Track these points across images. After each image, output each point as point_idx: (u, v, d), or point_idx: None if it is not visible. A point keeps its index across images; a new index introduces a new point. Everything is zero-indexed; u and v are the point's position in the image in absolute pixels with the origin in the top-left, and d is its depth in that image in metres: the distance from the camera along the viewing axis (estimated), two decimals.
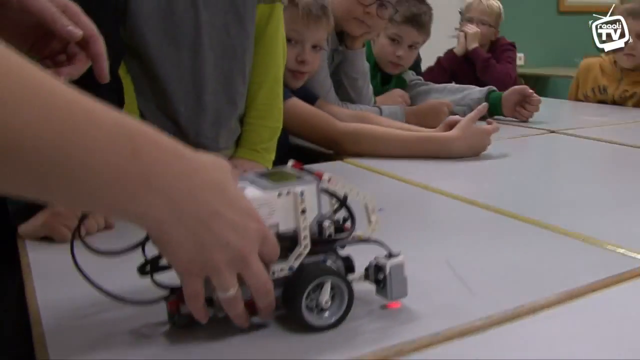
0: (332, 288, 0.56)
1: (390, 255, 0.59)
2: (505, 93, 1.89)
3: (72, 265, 0.55)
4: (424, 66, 2.51)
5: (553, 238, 0.82)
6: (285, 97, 1.39)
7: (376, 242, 0.60)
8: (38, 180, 0.42)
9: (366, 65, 1.85)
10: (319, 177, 0.57)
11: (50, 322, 0.60)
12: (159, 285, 0.57)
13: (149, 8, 1.10)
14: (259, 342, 0.55)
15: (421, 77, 2.19)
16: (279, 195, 0.55)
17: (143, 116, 1.13)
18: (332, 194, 0.59)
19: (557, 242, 0.81)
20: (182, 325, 0.56)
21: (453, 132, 1.33)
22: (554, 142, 1.61)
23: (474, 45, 2.60)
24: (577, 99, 2.46)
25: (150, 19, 1.10)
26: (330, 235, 0.58)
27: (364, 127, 1.41)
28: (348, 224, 0.60)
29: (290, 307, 0.56)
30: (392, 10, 1.76)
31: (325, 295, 0.56)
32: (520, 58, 4.79)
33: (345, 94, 1.81)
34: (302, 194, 0.56)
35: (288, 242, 0.56)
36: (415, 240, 0.82)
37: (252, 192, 0.55)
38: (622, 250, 0.75)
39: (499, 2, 2.74)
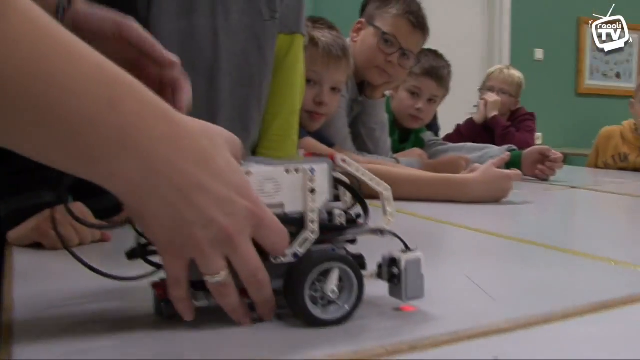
0: (340, 277, 0.49)
1: (407, 249, 0.52)
2: (526, 151, 1.84)
3: (55, 269, 0.50)
4: (442, 134, 2.50)
5: (578, 259, 0.77)
6: (300, 136, 1.36)
7: (391, 233, 0.53)
8: (6, 114, 0.38)
9: (385, 117, 1.82)
10: (331, 159, 0.51)
11: (22, 311, 0.54)
12: (153, 264, 0.52)
13: (169, 29, 1.08)
14: (250, 337, 0.47)
15: (439, 138, 2.17)
16: (287, 171, 0.49)
17: None
18: (339, 182, 0.54)
19: (581, 263, 0.76)
20: (169, 315, 0.48)
21: (473, 175, 1.28)
22: (575, 195, 1.56)
23: (493, 113, 2.59)
24: (596, 167, 2.42)
25: (169, 40, 1.08)
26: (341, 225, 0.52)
27: (379, 167, 1.36)
28: (361, 220, 0.53)
29: (292, 297, 0.48)
30: (414, 61, 1.75)
31: (332, 284, 0.48)
32: (538, 137, 4.79)
33: (362, 145, 1.77)
34: (312, 171, 0.50)
35: (294, 227, 0.49)
36: (433, 261, 0.76)
37: (256, 167, 0.49)
38: None
39: (520, 73, 2.75)
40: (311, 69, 1.41)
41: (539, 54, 4.88)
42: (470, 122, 2.65)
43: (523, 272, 0.71)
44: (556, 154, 1.79)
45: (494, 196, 1.27)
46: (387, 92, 1.94)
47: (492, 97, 2.62)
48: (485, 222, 1.08)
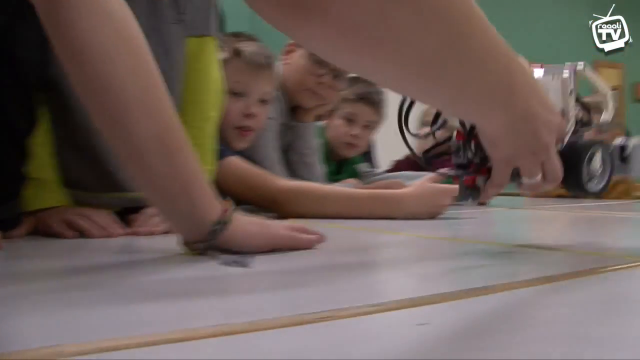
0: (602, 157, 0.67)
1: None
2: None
3: None
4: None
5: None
6: (224, 155, 1.26)
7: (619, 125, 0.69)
8: (434, 61, 0.48)
9: (317, 142, 1.75)
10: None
11: None
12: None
13: None
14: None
15: (374, 169, 2.11)
16: (553, 77, 0.66)
17: (58, 150, 0.99)
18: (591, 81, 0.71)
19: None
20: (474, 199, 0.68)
21: (407, 189, 1.21)
22: (513, 213, 1.52)
23: None
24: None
25: None
26: (582, 120, 0.68)
27: (308, 184, 1.28)
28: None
29: (571, 176, 0.65)
30: (346, 83, 1.68)
31: (597, 164, 0.66)
32: None
33: (295, 171, 1.69)
34: (570, 76, 0.66)
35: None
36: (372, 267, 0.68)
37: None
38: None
39: None
40: (237, 80, 1.33)
41: None
42: (408, 157, 2.59)
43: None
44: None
45: (429, 211, 1.20)
46: (321, 122, 1.87)
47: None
48: (421, 230, 1.01)
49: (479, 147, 0.63)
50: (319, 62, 1.62)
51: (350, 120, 1.94)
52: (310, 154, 1.71)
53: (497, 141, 0.61)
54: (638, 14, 6.18)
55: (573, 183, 0.66)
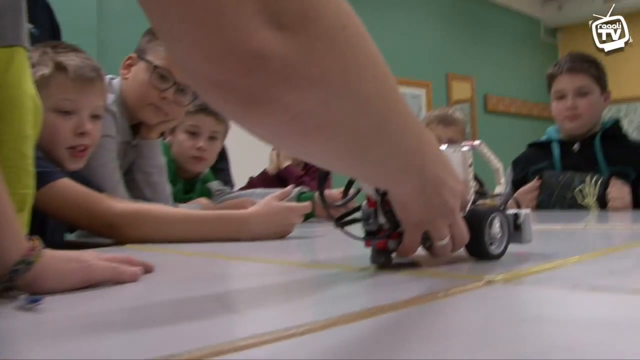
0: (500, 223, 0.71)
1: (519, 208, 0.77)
2: (317, 193, 1.75)
3: None
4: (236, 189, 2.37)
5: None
6: (54, 177, 1.15)
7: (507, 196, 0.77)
8: (364, 141, 0.53)
9: (163, 160, 1.65)
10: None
11: None
12: (350, 235, 0.71)
13: None
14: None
15: (226, 188, 2.04)
16: (454, 151, 0.73)
17: None
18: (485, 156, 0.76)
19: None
20: (385, 264, 0.68)
21: (252, 209, 1.14)
22: None
23: (287, 163, 2.51)
24: None
25: None
26: (477, 191, 0.74)
27: (147, 206, 1.19)
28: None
29: (474, 240, 0.69)
30: (191, 97, 1.60)
31: (495, 229, 0.70)
32: None
33: (139, 192, 1.59)
34: (469, 150, 0.74)
35: None
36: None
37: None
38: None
39: None
40: (64, 98, 1.22)
41: None
42: (263, 174, 2.55)
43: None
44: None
45: (277, 231, 1.14)
46: (166, 139, 1.78)
47: None
48: (271, 254, 0.95)
49: (390, 213, 0.67)
50: (162, 76, 1.53)
51: (193, 133, 1.87)
52: (155, 172, 1.61)
53: (409, 205, 0.65)
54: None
55: (476, 247, 0.70)
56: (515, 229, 0.74)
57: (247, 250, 1.01)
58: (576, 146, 2.08)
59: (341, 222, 0.73)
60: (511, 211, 0.74)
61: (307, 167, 2.59)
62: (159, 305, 0.54)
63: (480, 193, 0.75)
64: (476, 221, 0.69)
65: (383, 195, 0.68)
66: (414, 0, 5.81)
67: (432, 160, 0.64)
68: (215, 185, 1.98)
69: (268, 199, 1.17)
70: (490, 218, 0.70)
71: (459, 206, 0.68)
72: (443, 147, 0.71)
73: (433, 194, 0.64)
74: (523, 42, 7.19)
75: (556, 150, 2.11)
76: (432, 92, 5.94)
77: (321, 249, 1.08)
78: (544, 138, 2.21)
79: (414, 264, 0.71)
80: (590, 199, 1.92)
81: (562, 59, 2.16)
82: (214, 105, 0.48)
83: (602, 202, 1.90)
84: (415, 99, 5.76)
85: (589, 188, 1.92)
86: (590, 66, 2.09)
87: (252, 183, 2.49)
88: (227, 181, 2.25)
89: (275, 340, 0.37)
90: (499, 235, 0.71)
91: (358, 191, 0.73)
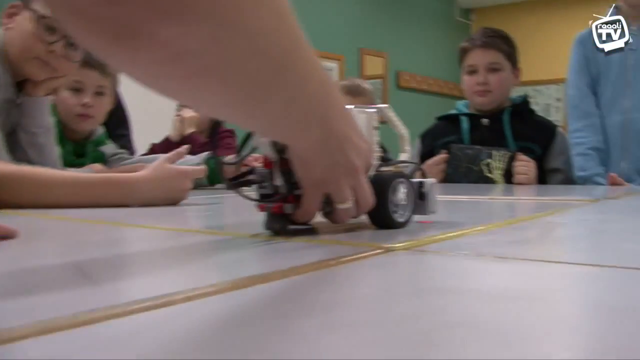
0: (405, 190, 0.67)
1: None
2: (228, 157, 1.67)
3: None
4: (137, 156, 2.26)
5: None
6: None
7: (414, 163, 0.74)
8: (262, 85, 0.47)
9: (50, 120, 1.53)
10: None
11: None
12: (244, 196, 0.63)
13: None
14: None
15: (124, 151, 1.92)
16: (360, 112, 0.68)
17: None
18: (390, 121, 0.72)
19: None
20: (281, 230, 0.62)
21: (142, 172, 1.06)
22: None
23: (190, 130, 2.42)
24: None
25: None
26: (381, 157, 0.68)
27: (27, 169, 1.08)
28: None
29: (378, 207, 0.64)
30: (83, 51, 1.48)
31: (400, 195, 0.66)
32: None
33: (23, 155, 1.46)
34: (375, 112, 0.70)
35: None
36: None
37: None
38: None
39: None
40: None
41: None
42: (166, 140, 2.44)
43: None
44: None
45: (169, 197, 1.06)
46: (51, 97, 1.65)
47: (188, 112, 2.44)
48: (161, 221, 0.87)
49: (288, 174, 0.62)
50: (49, 27, 1.40)
51: (77, 89, 1.74)
52: (41, 133, 1.48)
53: (309, 161, 0.60)
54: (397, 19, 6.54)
55: (380, 213, 0.65)
56: (419, 199, 0.69)
57: (135, 216, 0.93)
58: (485, 121, 2.08)
59: (233, 183, 0.65)
60: (416, 180, 0.70)
61: (213, 134, 2.51)
62: (31, 271, 0.46)
63: (384, 159, 0.70)
64: (380, 186, 0.65)
65: (281, 153, 0.61)
66: None
67: (337, 113, 0.59)
68: (109, 149, 1.86)
69: (159, 161, 1.08)
70: (394, 184, 0.66)
71: (364, 166, 0.62)
72: (349, 107, 0.65)
73: (336, 150, 0.59)
74: (438, 21, 7.27)
75: (465, 124, 2.10)
76: (344, 66, 5.91)
77: (215, 216, 1.00)
78: (453, 111, 2.20)
79: (312, 231, 0.65)
80: (497, 173, 1.92)
81: (475, 34, 2.15)
82: (77, 38, 0.40)
83: (508, 177, 1.91)
84: (328, 71, 5.71)
85: (496, 162, 1.92)
86: (503, 42, 2.09)
87: (154, 150, 2.38)
88: (128, 147, 2.14)
89: (157, 306, 0.33)
90: (403, 203, 0.67)
91: (253, 149, 0.65)
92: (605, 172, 1.93)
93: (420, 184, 0.70)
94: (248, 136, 0.64)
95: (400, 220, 0.67)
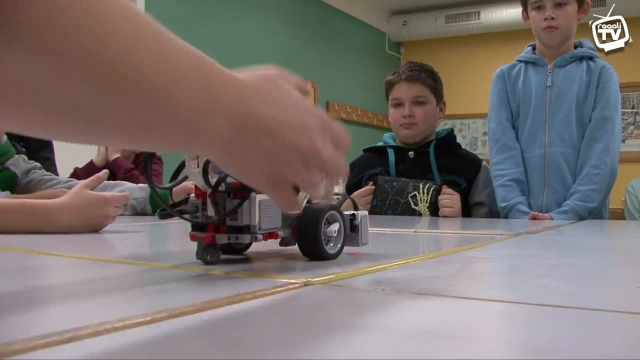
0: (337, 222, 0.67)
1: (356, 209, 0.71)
2: (176, 188, 1.62)
3: None
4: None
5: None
6: None
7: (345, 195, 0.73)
8: (131, 107, 0.41)
9: None
10: None
11: None
12: (183, 218, 0.62)
13: None
14: None
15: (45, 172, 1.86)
16: None
17: None
18: None
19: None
20: (212, 260, 0.61)
21: (61, 199, 1.02)
22: None
23: (115, 155, 2.37)
24: None
25: None
26: None
27: None
28: None
29: (309, 238, 0.64)
30: None
31: (332, 227, 0.66)
32: None
33: None
34: None
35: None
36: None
37: None
38: None
39: None
40: None
41: None
42: (90, 165, 2.39)
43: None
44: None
45: (88, 224, 1.03)
46: None
47: None
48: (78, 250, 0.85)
49: (220, 205, 0.60)
50: None
51: None
52: None
53: (239, 165, 0.51)
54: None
55: (311, 246, 0.65)
56: (351, 230, 0.70)
57: (52, 244, 0.90)
58: (411, 153, 2.11)
59: (163, 213, 0.65)
60: (348, 212, 0.70)
61: (138, 161, 2.46)
62: None
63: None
64: (312, 218, 0.65)
65: (215, 186, 0.60)
66: (261, 3, 5.77)
67: (234, 100, 0.48)
68: (18, 164, 1.73)
69: (78, 187, 1.05)
70: (326, 216, 0.66)
71: (320, 139, 0.53)
72: None
73: (267, 140, 0.49)
74: (369, 53, 7.38)
75: (391, 156, 2.13)
76: None
77: (136, 245, 0.98)
78: (380, 143, 2.23)
79: (246, 259, 0.65)
80: (423, 206, 1.95)
81: (401, 68, 2.19)
82: None
83: (434, 209, 1.94)
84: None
85: (422, 195, 1.95)
86: (428, 76, 2.14)
87: (77, 174, 2.32)
88: (52, 171, 2.07)
89: (62, 342, 0.31)
90: (335, 235, 0.67)
91: (185, 178, 0.64)
92: (526, 201, 1.98)
93: (353, 215, 0.70)
94: (180, 166, 0.63)
95: (332, 252, 0.67)
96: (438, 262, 0.74)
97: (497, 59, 4.62)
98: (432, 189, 1.95)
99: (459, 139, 2.20)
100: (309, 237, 0.65)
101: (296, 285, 0.51)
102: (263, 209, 0.62)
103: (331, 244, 0.67)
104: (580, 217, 1.87)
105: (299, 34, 6.32)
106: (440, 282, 0.57)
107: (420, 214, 1.95)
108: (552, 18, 1.92)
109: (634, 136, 6.81)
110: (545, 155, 1.97)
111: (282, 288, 0.49)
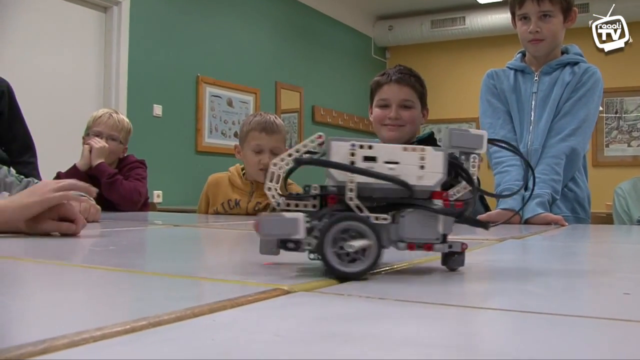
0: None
1: None
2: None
3: None
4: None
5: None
6: None
7: None
8: None
9: None
10: None
11: None
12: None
13: None
14: None
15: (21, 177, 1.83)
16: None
17: None
18: None
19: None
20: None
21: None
22: (174, 231, 1.37)
23: (99, 160, 2.34)
24: (207, 213, 2.31)
25: None
26: None
27: None
28: None
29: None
30: None
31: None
32: (158, 195, 4.64)
33: None
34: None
35: None
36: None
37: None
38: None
39: (128, 119, 2.56)
40: None
41: (157, 109, 4.75)
42: (73, 169, 2.36)
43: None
44: None
45: (28, 201, 1.00)
46: None
47: (98, 142, 2.37)
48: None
49: None
50: None
51: None
52: None
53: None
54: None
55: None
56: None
57: (24, 249, 0.88)
58: None
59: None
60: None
61: (122, 166, 2.44)
62: None
63: None
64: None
65: None
66: (247, 6, 5.76)
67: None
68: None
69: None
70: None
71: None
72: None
73: None
74: (354, 58, 7.39)
75: None
76: (260, 100, 5.90)
77: (116, 250, 0.96)
78: None
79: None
80: None
81: (391, 70, 2.18)
82: None
83: None
84: (244, 104, 5.70)
85: None
86: (416, 81, 2.14)
87: (61, 178, 2.30)
88: (35, 176, 2.05)
89: (36, 353, 0.30)
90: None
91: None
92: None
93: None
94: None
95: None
96: (424, 268, 0.73)
97: (482, 64, 4.64)
98: None
99: (439, 143, 2.20)
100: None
101: (279, 292, 0.50)
102: None
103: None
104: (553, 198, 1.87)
105: (285, 38, 6.31)
106: (426, 290, 0.56)
107: None
108: (537, 31, 1.93)
109: (617, 141, 6.84)
110: (528, 153, 1.97)
111: (263, 295, 0.48)
